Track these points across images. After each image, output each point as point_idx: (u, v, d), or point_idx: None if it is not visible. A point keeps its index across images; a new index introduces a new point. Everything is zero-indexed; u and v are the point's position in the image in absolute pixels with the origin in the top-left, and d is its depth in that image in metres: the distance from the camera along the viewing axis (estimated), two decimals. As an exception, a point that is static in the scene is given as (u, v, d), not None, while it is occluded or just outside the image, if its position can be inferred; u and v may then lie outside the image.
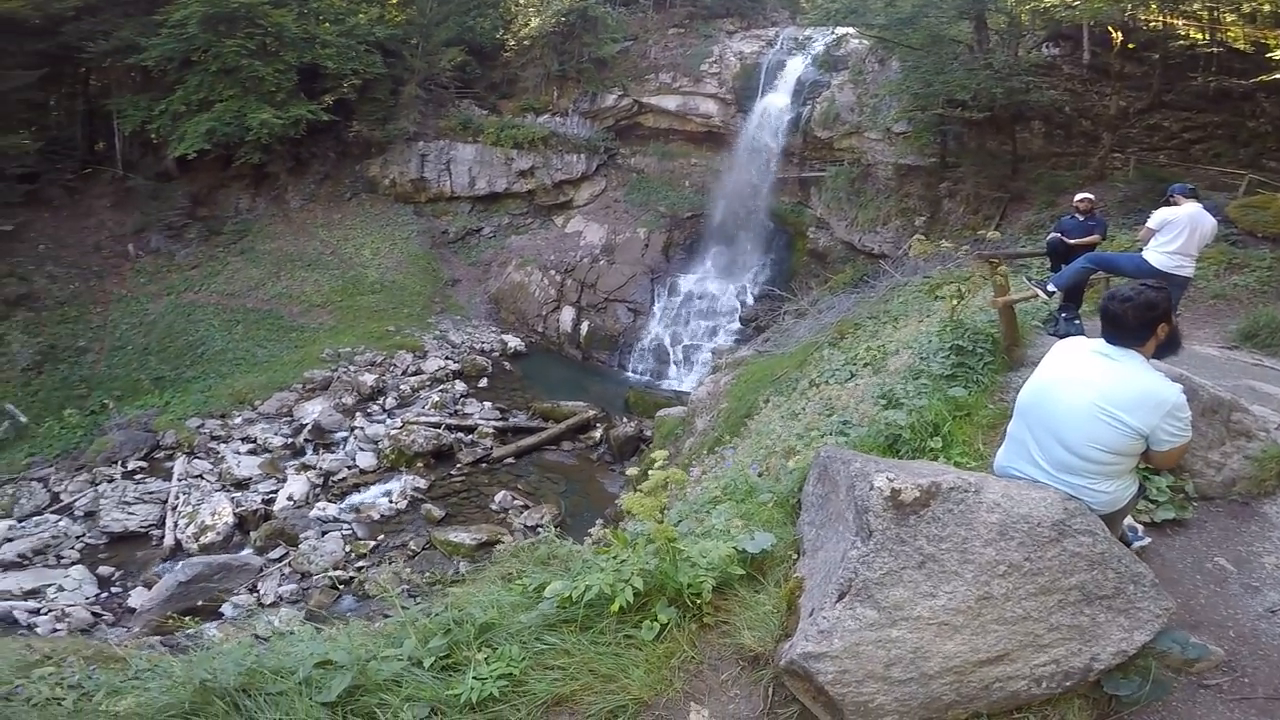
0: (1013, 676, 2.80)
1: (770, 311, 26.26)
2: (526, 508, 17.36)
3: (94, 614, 15.09)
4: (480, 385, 25.41)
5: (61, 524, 19.05)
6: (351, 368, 25.44)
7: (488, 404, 23.76)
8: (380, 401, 23.37)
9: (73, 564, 17.09)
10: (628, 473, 14.66)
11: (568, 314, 29.56)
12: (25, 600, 15.42)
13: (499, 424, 22.17)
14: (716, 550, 3.55)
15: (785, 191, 31.23)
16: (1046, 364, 3.30)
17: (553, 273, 30.48)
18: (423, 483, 18.26)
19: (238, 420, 23.05)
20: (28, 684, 3.99)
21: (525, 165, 33.26)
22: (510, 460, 20.40)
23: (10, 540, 18.19)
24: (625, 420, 22.68)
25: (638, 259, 30.71)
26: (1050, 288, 7.40)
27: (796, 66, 31.15)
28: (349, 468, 19.26)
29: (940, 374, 6.20)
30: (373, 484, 18.38)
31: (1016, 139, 23.36)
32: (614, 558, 3.60)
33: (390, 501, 17.32)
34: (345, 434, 21.45)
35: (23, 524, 19.32)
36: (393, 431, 20.52)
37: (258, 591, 14.48)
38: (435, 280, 31.67)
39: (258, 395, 24.12)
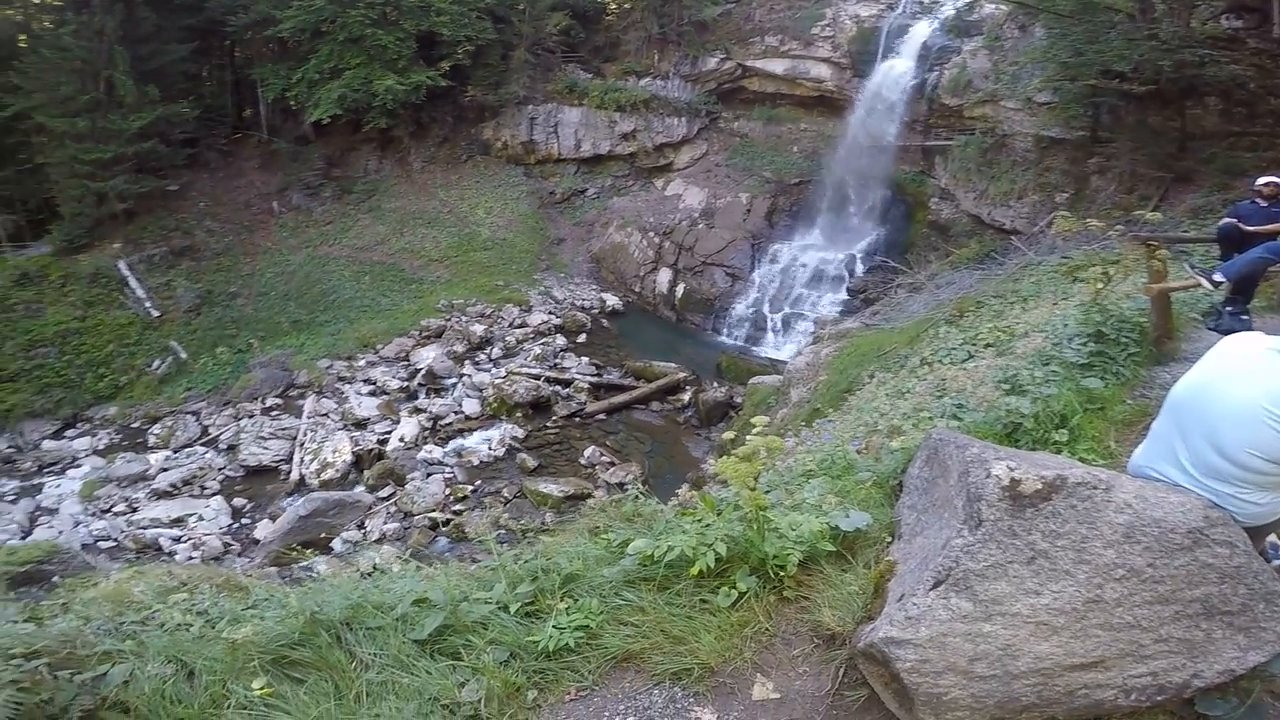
0: (1102, 685, 2.59)
1: (881, 284, 24.63)
2: (612, 464, 17.57)
3: (225, 544, 16.36)
4: (579, 341, 25.86)
5: (208, 456, 20.95)
6: (463, 318, 26.54)
7: (585, 359, 24.16)
8: (487, 351, 24.24)
9: (213, 495, 18.65)
10: (723, 435, 14.43)
11: (664, 275, 29.38)
12: (171, 528, 17.14)
13: (594, 379, 22.47)
14: (808, 524, 3.37)
15: (906, 160, 29.18)
16: (1210, 358, 2.84)
17: (651, 234, 30.29)
18: (520, 432, 18.82)
19: (361, 363, 24.68)
20: (163, 609, 4.35)
21: (627, 128, 32.98)
22: (601, 416, 20.65)
23: (165, 470, 20.22)
24: (715, 385, 22.32)
25: (738, 224, 29.91)
26: (1217, 277, 6.51)
27: (922, 31, 28.85)
28: (455, 413, 20.11)
29: (1074, 362, 5.60)
30: (475, 430, 19.11)
31: (1186, 115, 20.70)
32: (699, 521, 3.50)
33: (490, 449, 17.97)
34: (454, 380, 22.39)
35: (177, 455, 21.43)
36: (496, 381, 21.24)
37: (365, 528, 15.37)
38: (542, 238, 32.31)
39: (380, 340, 25.81)
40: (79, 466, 22.05)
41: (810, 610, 3.18)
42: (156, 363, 27.03)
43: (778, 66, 32.08)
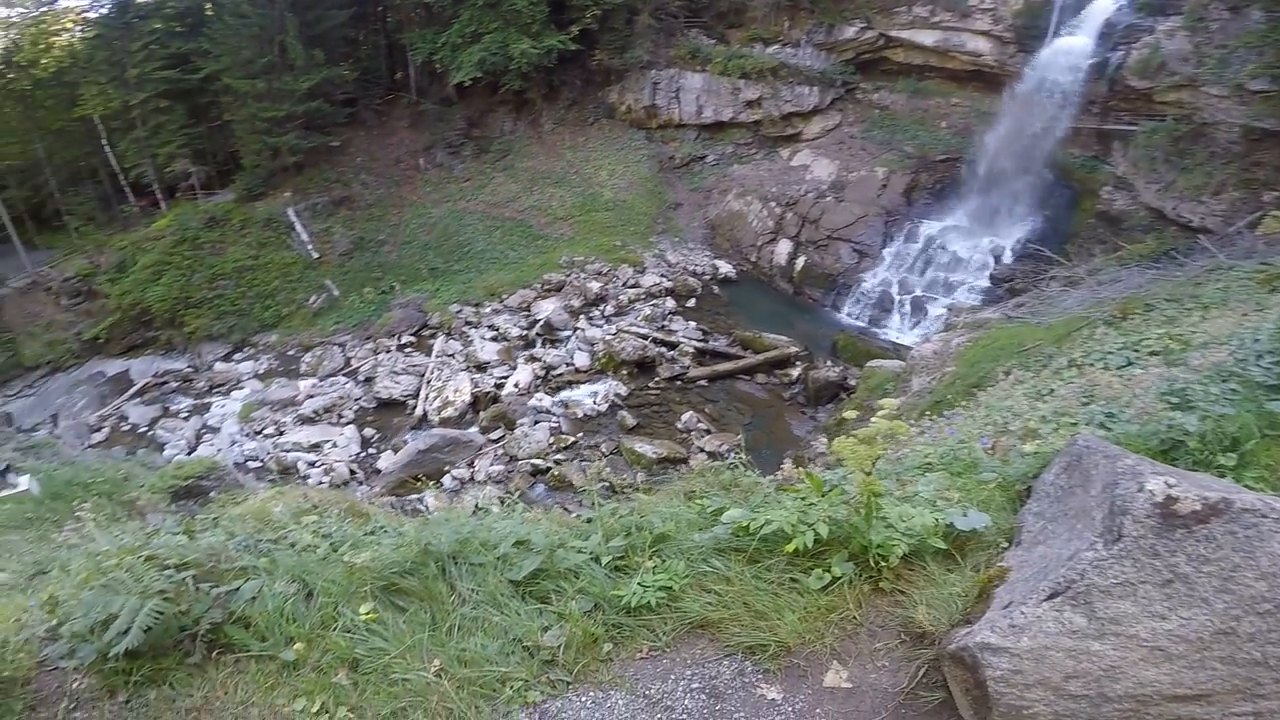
0: (1197, 718, 2.43)
1: (1031, 274, 22.30)
2: (709, 433, 17.30)
3: (351, 470, 17.46)
4: (688, 305, 25.69)
5: (347, 386, 22.70)
6: (582, 275, 27.08)
7: (692, 324, 23.97)
8: (601, 308, 24.64)
9: (347, 424, 20.12)
10: (840, 413, 13.83)
11: (784, 247, 28.40)
12: (308, 453, 18.60)
13: (699, 344, 22.14)
14: (920, 518, 3.12)
15: (1076, 143, 26.22)
16: None
17: (773, 204, 29.28)
18: (623, 390, 18.98)
19: (487, 310, 26.06)
20: (296, 529, 4.71)
21: (752, 95, 31.72)
22: (703, 383, 20.29)
23: (311, 397, 22.01)
24: (828, 364, 21.23)
25: (871, 199, 28.11)
26: None
27: (1105, 6, 25.55)
28: (567, 365, 20.62)
29: (1261, 382, 4.83)
30: (583, 383, 19.52)
31: None
32: (801, 499, 3.33)
33: (594, 403, 18.28)
34: (569, 333, 22.94)
35: (322, 383, 23.42)
36: (607, 337, 21.55)
37: (474, 468, 16.09)
38: (660, 202, 32.18)
39: (505, 290, 27.06)
40: (241, 389, 24.71)
41: (904, 605, 2.98)
42: (313, 298, 29.68)
43: (927, 38, 29.51)
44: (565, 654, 2.97)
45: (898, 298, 25.47)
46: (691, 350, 21.61)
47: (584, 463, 15.42)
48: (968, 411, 9.33)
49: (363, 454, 18.73)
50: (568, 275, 27.04)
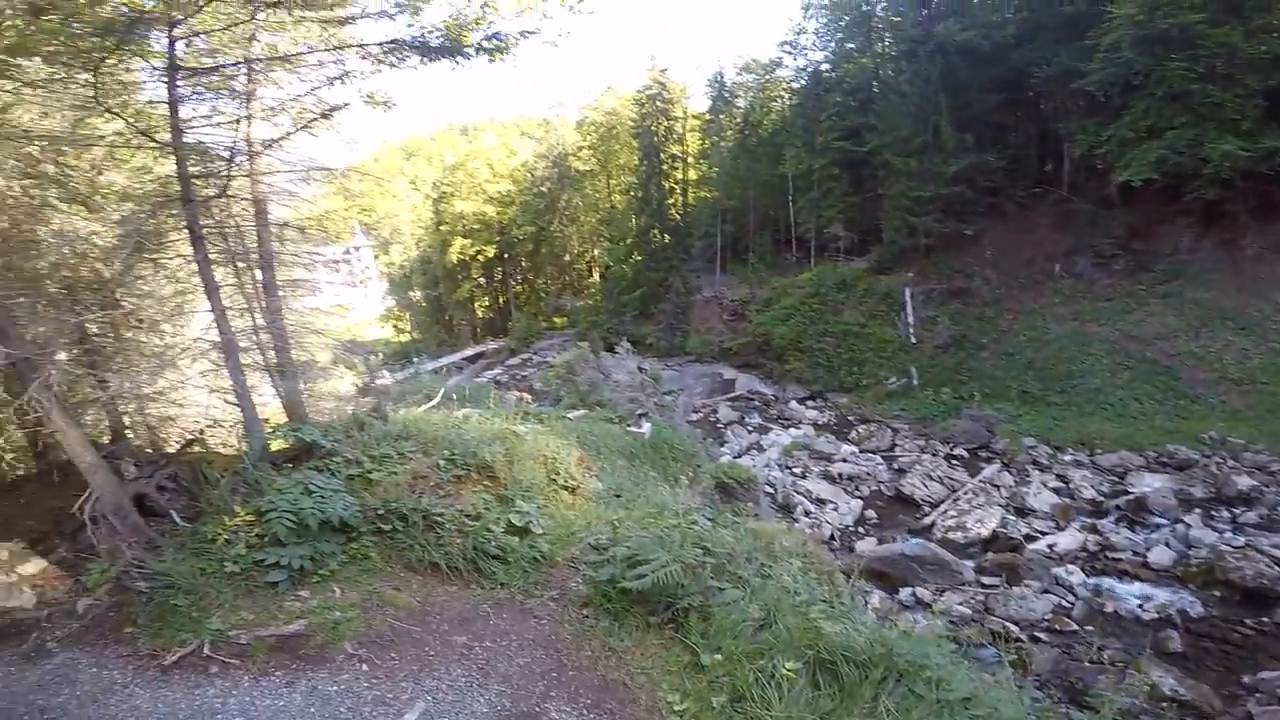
0: None
1: None
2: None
3: (832, 536, 17.85)
4: None
5: (879, 467, 22.98)
6: (1230, 463, 20.25)
7: None
8: (1236, 511, 17.89)
9: (858, 498, 20.57)
10: None
11: None
12: (812, 503, 19.77)
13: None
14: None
15: None
16: None
17: None
18: (1195, 609, 13.23)
19: (1067, 458, 22.32)
20: (786, 565, 5.50)
21: None
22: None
23: (845, 461, 23.41)
24: None
25: None
26: None
27: None
28: (1135, 554, 15.83)
29: None
30: (1141, 581, 14.61)
31: None
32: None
33: (1141, 608, 13.45)
34: (1166, 523, 17.62)
35: (859, 455, 24.41)
36: (1224, 546, 15.51)
37: (940, 596, 14.21)
38: None
39: (1103, 445, 22.48)
40: (798, 429, 27.88)
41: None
42: (893, 379, 31.09)
43: None
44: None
45: None
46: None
47: (1064, 652, 11.61)
48: None
49: (853, 528, 19.01)
50: (1207, 456, 20.49)
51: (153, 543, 5.61)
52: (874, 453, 24.89)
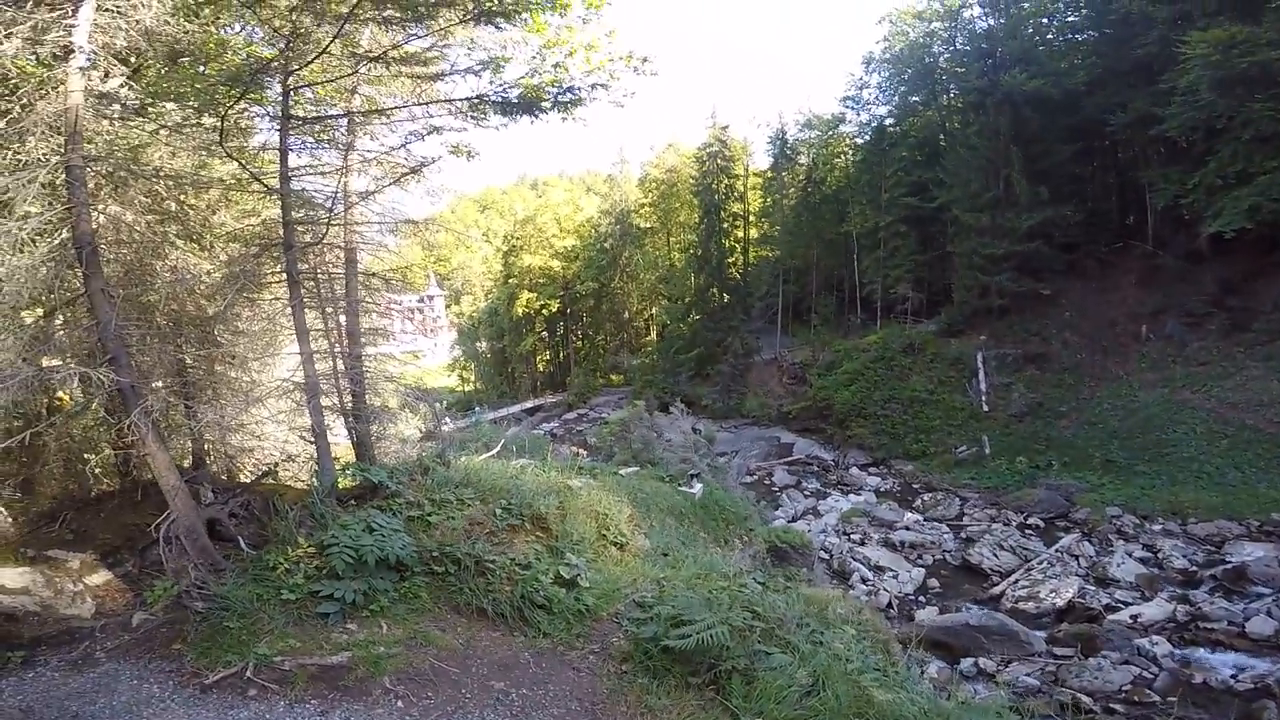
0: None
1: None
2: None
3: (890, 604, 17.04)
4: None
5: (944, 536, 21.86)
6: (1346, 536, 18.76)
7: None
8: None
9: (920, 567, 19.55)
10: None
11: None
12: (870, 570, 19.01)
13: None
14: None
15: None
16: None
17: None
18: None
19: (1156, 527, 21.03)
20: (837, 631, 5.42)
21: None
22: None
23: (907, 529, 22.37)
24: None
25: None
26: None
27: None
28: (1233, 624, 14.70)
29: None
30: (1239, 651, 13.54)
31: None
32: None
33: (1234, 679, 12.38)
34: (1268, 593, 16.42)
35: (924, 523, 23.26)
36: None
37: (1005, 668, 13.41)
38: None
39: (1197, 514, 21.00)
40: (858, 495, 26.81)
41: None
42: (963, 447, 29.68)
43: None
44: None
45: None
46: None
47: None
48: None
49: (913, 596, 18.21)
50: (1318, 527, 19.00)
51: (217, 565, 5.92)
52: (939, 521, 23.80)
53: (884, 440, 32.27)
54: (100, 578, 6.16)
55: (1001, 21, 36.75)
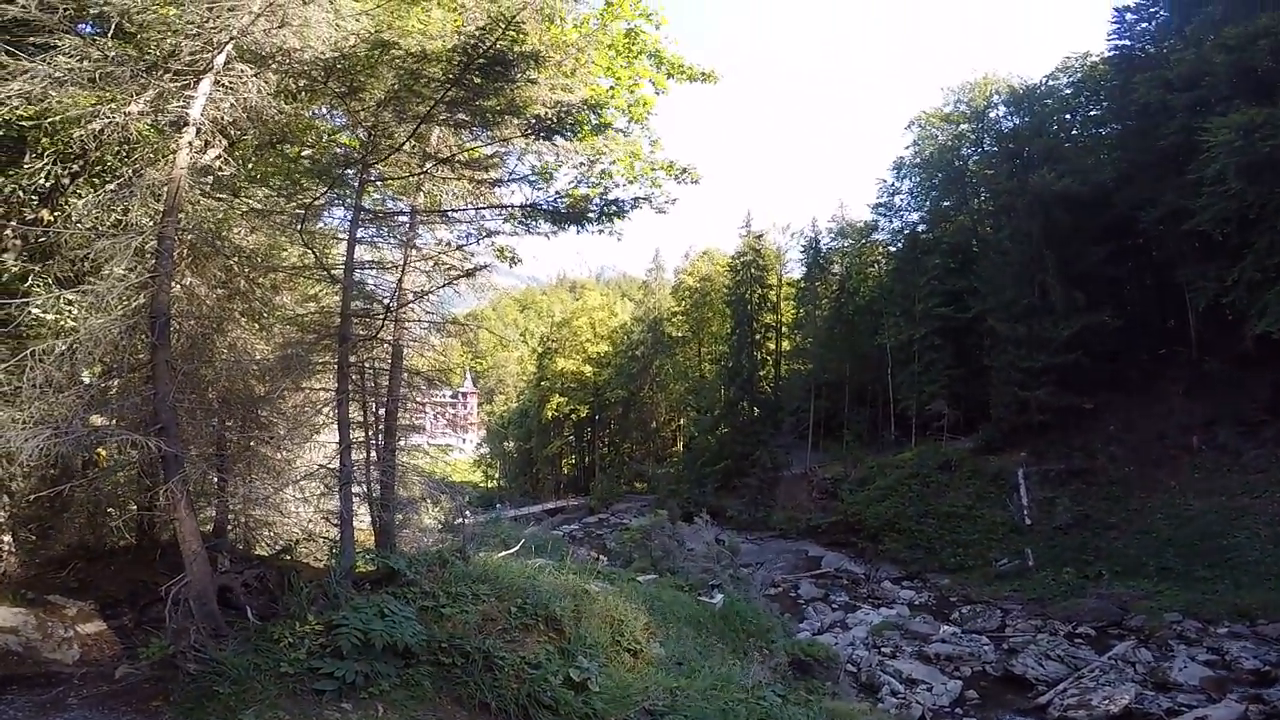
0: None
1: None
2: None
3: (921, 717, 15.93)
4: None
5: (985, 647, 20.61)
6: None
7: None
8: None
9: (956, 679, 18.33)
10: None
11: None
12: (900, 684, 17.86)
13: None
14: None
15: None
16: None
17: None
18: None
19: (1221, 630, 19.86)
20: None
21: None
22: None
23: (944, 642, 21.15)
24: None
25: None
26: None
27: None
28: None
29: None
30: None
31: None
32: None
33: None
34: None
35: (962, 636, 21.91)
36: None
37: None
38: None
39: (1265, 614, 19.95)
40: (890, 609, 25.41)
41: None
42: (1005, 560, 28.25)
43: None
44: None
45: None
46: None
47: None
48: None
49: (949, 708, 17.07)
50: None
51: (219, 631, 5.83)
52: (978, 633, 22.52)
53: (918, 554, 30.96)
54: (94, 627, 6.13)
55: (1026, 120, 37.45)
